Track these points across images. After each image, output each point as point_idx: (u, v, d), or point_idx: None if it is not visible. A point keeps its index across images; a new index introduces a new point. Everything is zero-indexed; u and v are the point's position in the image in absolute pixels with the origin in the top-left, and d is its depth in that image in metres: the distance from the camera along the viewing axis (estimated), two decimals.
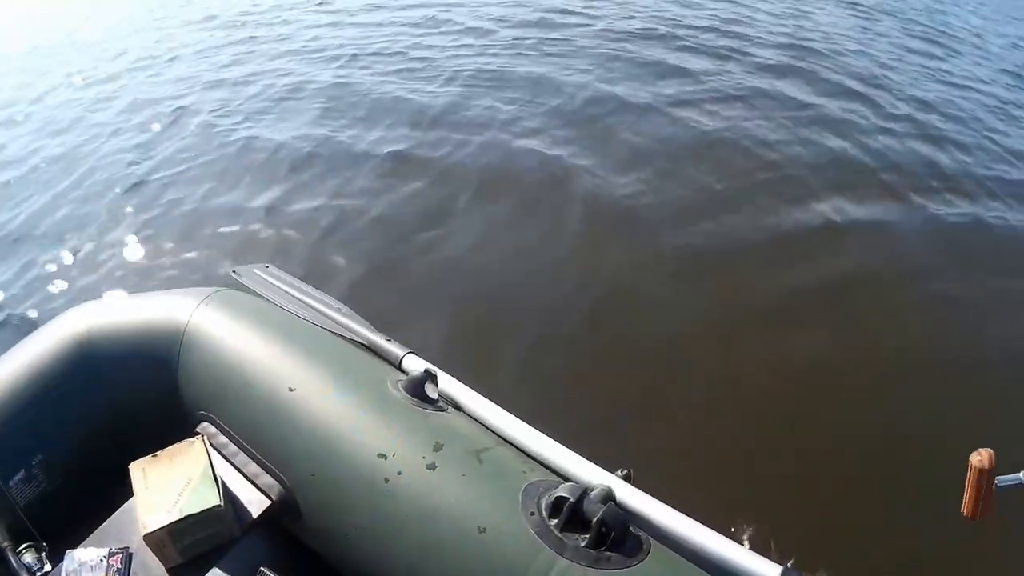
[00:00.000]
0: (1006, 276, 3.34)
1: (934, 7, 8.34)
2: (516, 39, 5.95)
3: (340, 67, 5.53)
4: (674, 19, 6.58)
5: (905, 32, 7.14)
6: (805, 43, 6.13)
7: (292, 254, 3.15)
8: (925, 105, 5.21)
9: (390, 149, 4.07)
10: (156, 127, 4.55)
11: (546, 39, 5.92)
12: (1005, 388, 2.71)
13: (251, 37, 6.51)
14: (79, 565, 1.00)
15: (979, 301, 3.17)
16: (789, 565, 0.98)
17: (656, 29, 6.18)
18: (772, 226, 3.55)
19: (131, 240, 3.28)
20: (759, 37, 6.26)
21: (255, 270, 1.56)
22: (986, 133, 4.92)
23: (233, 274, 1.56)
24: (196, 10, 7.58)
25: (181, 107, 4.88)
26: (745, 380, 2.64)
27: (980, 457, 0.89)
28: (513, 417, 1.16)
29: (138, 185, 3.80)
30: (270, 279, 1.52)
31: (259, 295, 1.44)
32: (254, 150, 4.15)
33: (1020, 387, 2.77)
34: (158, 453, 1.11)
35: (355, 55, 5.72)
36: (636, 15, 6.63)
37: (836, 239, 3.51)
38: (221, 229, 3.35)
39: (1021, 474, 0.89)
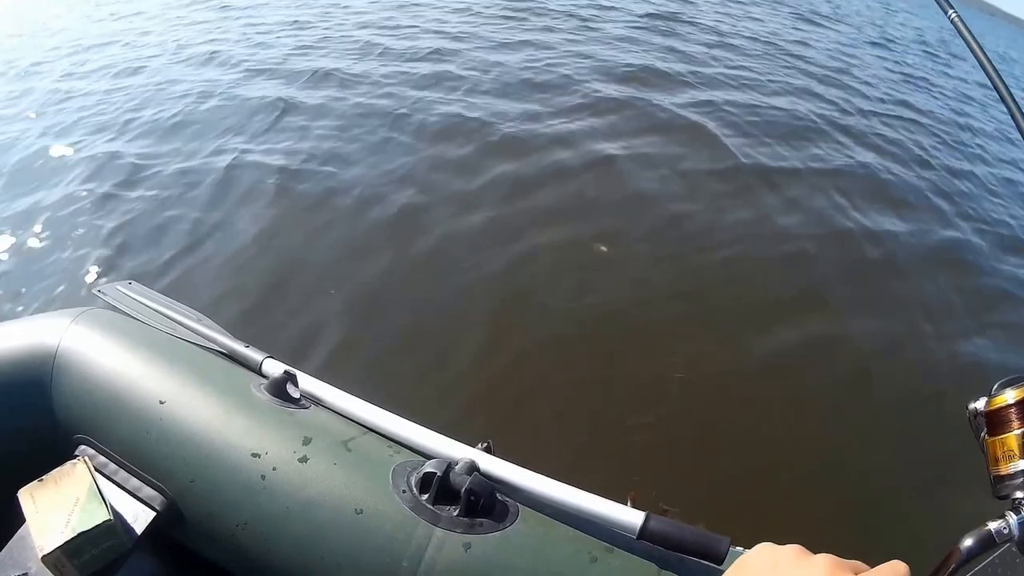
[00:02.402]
0: None
1: None
2: None
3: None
4: None
5: None
6: None
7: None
8: None
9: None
10: None
11: None
12: None
13: None
14: None
15: None
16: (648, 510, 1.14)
17: None
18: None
19: None
20: None
21: (119, 287, 1.57)
22: None
23: (98, 293, 1.56)
24: None
25: None
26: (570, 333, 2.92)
27: None
28: (374, 407, 1.28)
29: None
30: (134, 295, 1.54)
31: (125, 313, 1.47)
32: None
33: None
34: (44, 478, 1.15)
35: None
36: None
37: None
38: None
39: None
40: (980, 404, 0.84)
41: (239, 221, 3.58)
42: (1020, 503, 0.76)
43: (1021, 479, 0.77)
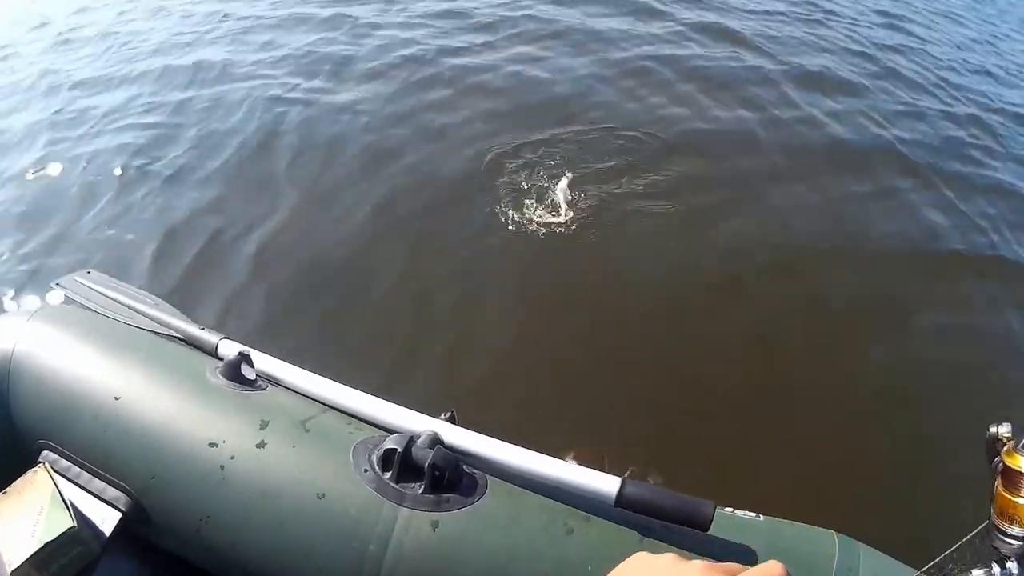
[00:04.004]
0: None
1: None
2: None
3: None
4: None
5: None
6: None
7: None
8: None
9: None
10: None
11: None
12: None
13: None
14: None
15: None
16: (627, 475, 1.07)
17: None
18: None
19: None
20: None
21: (76, 279, 1.52)
22: None
23: (56, 286, 1.52)
24: None
25: None
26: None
27: None
28: (331, 382, 1.21)
29: None
30: (91, 285, 1.49)
31: (82, 305, 1.42)
32: None
33: None
34: (6, 490, 1.13)
35: None
36: None
37: None
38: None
39: None
40: (1004, 430, 0.89)
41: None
42: (1006, 560, 0.86)
43: (1016, 544, 0.85)
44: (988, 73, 5.67)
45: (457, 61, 4.67)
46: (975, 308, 2.94)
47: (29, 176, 3.62)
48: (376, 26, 5.25)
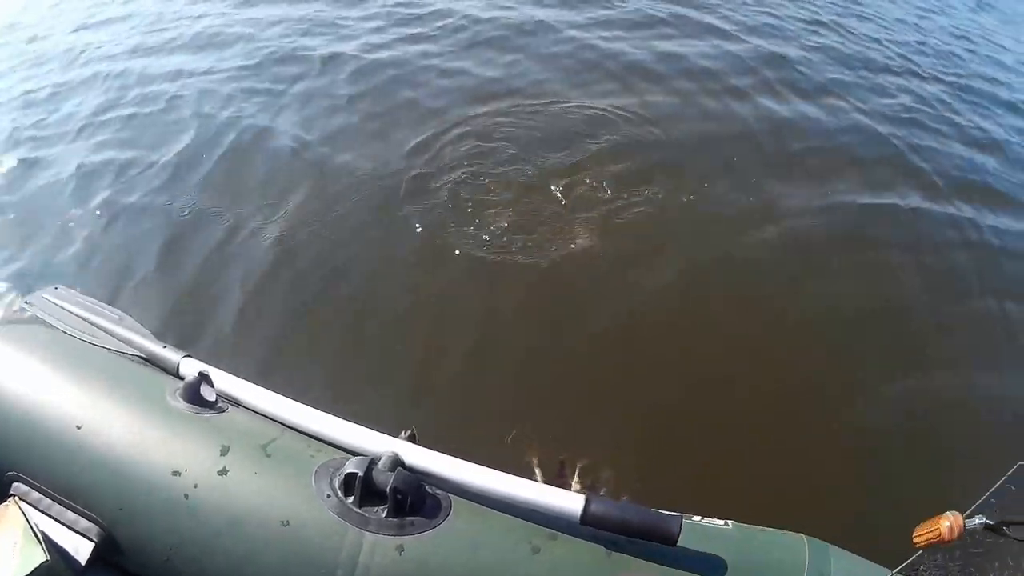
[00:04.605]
0: None
1: None
2: None
3: None
4: None
5: None
6: None
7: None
8: None
9: None
10: None
11: None
12: None
13: None
14: None
15: None
16: (594, 490, 1.06)
17: None
18: None
19: None
20: None
21: (44, 295, 1.50)
22: None
23: (26, 305, 1.49)
24: None
25: None
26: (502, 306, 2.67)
27: (950, 524, 0.94)
28: (291, 402, 1.20)
29: None
30: (58, 302, 1.46)
31: (47, 324, 1.40)
32: None
33: None
34: None
35: None
36: None
37: None
38: None
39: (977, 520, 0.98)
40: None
41: None
42: None
43: None
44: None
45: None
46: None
47: None
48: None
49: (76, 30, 5.22)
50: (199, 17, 5.23)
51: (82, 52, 4.82)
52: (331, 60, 4.41)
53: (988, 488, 1.01)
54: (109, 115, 4.01)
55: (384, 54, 4.49)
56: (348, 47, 4.58)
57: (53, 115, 4.08)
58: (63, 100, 4.23)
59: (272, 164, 3.48)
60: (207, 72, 4.35)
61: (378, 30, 4.86)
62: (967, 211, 3.44)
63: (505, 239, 2.91)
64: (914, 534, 0.99)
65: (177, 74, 4.34)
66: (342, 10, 5.17)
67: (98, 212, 3.22)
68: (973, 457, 2.10)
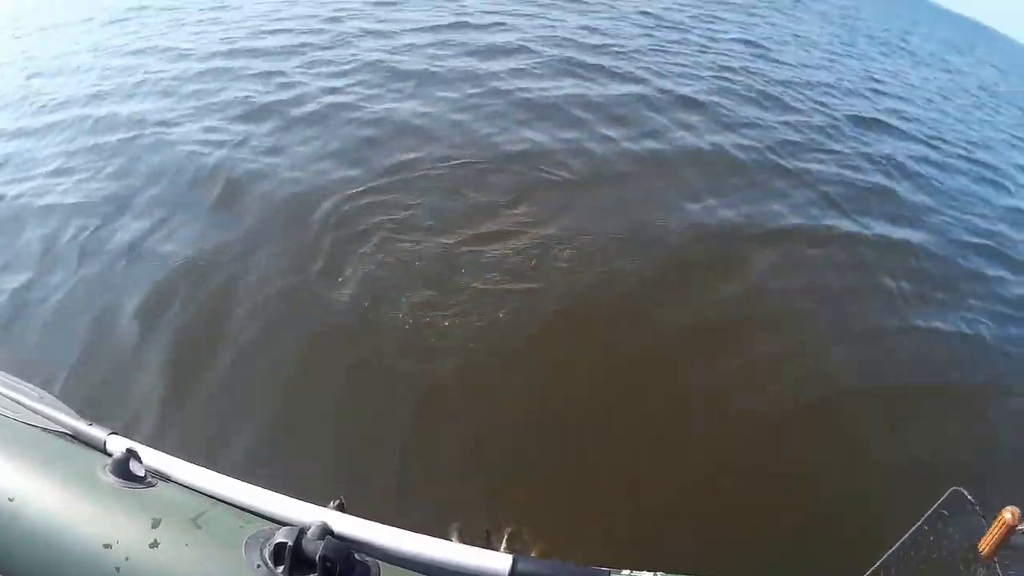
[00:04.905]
0: None
1: None
2: None
3: None
4: None
5: None
6: None
7: None
8: None
9: None
10: None
11: None
12: None
13: None
14: None
15: None
16: (516, 552, 1.12)
17: None
18: None
19: None
20: None
21: None
22: None
23: None
24: None
25: None
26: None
27: (1011, 514, 0.98)
28: (220, 475, 1.23)
29: None
30: None
31: None
32: None
33: None
34: None
35: None
36: None
37: None
38: None
39: None
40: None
41: None
42: None
43: None
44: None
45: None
46: None
47: None
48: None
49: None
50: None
51: None
52: None
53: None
54: None
55: None
56: None
57: None
58: None
59: None
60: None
61: None
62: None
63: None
64: (980, 545, 1.02)
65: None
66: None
67: None
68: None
